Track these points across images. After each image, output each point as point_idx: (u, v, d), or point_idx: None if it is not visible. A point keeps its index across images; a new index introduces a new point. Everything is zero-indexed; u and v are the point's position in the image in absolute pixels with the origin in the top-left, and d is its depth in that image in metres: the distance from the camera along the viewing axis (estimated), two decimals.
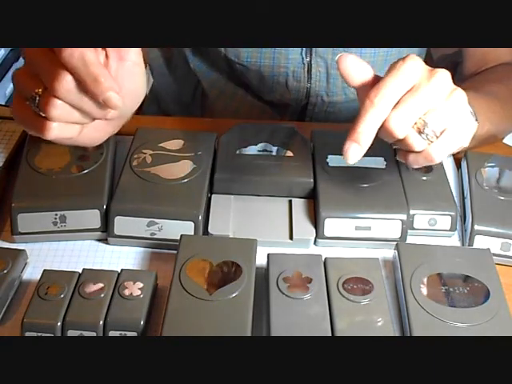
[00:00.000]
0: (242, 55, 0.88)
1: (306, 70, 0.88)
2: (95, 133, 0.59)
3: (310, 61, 0.87)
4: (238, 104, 0.95)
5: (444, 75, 0.56)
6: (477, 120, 0.67)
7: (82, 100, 0.54)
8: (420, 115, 0.55)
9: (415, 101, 0.55)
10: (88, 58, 0.52)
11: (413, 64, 0.55)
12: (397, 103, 0.55)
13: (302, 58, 0.87)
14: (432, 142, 0.56)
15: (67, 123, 0.55)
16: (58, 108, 0.53)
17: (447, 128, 0.56)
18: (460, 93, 0.57)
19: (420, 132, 0.55)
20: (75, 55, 0.52)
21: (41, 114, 0.54)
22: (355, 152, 0.55)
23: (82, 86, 0.53)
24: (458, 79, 0.92)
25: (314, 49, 0.86)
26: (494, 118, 0.75)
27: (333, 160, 0.71)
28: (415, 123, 0.55)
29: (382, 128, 0.55)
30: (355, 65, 0.56)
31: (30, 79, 0.55)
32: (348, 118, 0.93)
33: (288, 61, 0.88)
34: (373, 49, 0.86)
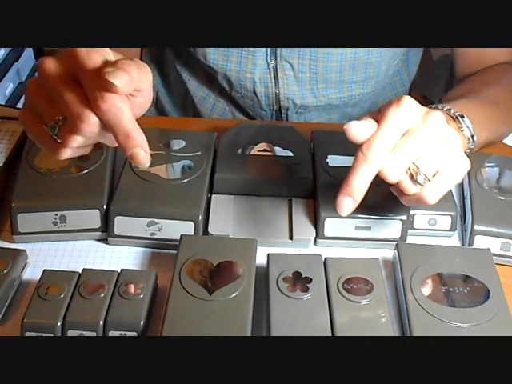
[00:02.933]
0: (208, 56, 0.87)
1: (272, 75, 0.87)
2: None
3: (276, 65, 0.86)
4: (223, 106, 0.95)
5: (438, 118, 0.55)
6: (474, 136, 0.67)
7: (104, 137, 0.53)
8: (413, 160, 0.55)
9: (408, 147, 0.54)
10: (122, 112, 0.50)
11: (406, 109, 0.54)
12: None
13: (268, 63, 0.86)
14: (425, 186, 0.56)
15: (80, 147, 0.55)
16: (77, 142, 0.52)
17: (440, 170, 0.56)
18: (454, 135, 0.57)
19: (412, 178, 0.55)
20: (111, 108, 0.50)
21: (57, 140, 0.53)
22: (349, 205, 0.55)
23: (110, 131, 0.51)
24: (455, 81, 0.92)
25: (278, 53, 0.85)
26: (492, 126, 0.74)
27: (333, 160, 0.71)
28: (408, 168, 0.55)
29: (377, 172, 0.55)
30: (360, 129, 0.55)
31: (48, 104, 0.53)
32: (324, 120, 0.94)
33: (254, 67, 0.87)
34: (340, 50, 0.85)
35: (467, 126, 0.67)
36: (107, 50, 0.53)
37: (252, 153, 0.72)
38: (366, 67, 0.87)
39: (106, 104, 0.50)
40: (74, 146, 0.53)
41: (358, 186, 0.54)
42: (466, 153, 0.69)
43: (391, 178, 0.55)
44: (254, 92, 0.89)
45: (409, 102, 0.55)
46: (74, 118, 0.51)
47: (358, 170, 0.54)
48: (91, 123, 0.51)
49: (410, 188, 0.56)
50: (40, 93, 0.53)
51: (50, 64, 0.52)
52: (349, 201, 0.55)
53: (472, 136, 0.67)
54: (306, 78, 0.87)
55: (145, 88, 0.53)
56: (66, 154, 0.54)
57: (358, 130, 0.55)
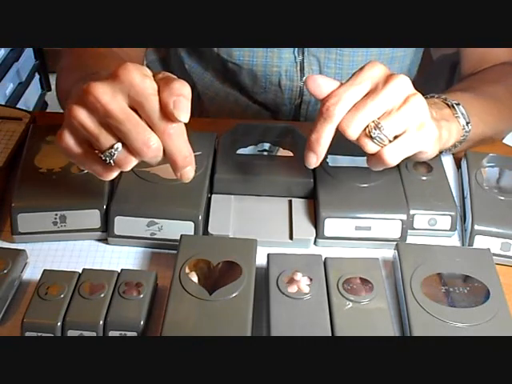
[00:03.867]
0: (234, 54, 0.88)
1: (298, 68, 0.88)
2: None
3: (303, 59, 0.88)
4: (232, 106, 0.96)
5: (402, 80, 0.56)
6: (469, 123, 0.68)
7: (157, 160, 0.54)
8: (373, 118, 0.55)
9: (367, 104, 0.55)
10: (183, 136, 0.53)
11: (370, 70, 0.56)
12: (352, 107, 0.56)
13: (295, 57, 0.88)
14: (384, 145, 0.56)
15: None
16: (133, 164, 0.54)
17: (404, 132, 0.56)
18: (418, 98, 0.57)
19: (370, 135, 0.56)
20: (176, 136, 0.52)
21: (111, 163, 0.53)
22: (312, 159, 0.58)
23: (168, 155, 0.53)
24: (458, 79, 0.92)
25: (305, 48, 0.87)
26: (490, 121, 0.75)
27: (333, 160, 0.71)
28: (367, 126, 0.56)
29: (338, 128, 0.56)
30: (324, 84, 0.57)
31: (101, 130, 0.53)
32: None
33: (280, 60, 0.88)
34: (365, 49, 0.86)
35: (462, 113, 0.67)
36: (146, 68, 0.53)
37: (252, 153, 0.72)
38: (390, 62, 0.88)
39: (175, 133, 0.52)
40: (129, 169, 0.54)
41: (315, 140, 0.56)
42: (460, 141, 0.70)
43: (348, 132, 0.55)
44: (279, 85, 0.90)
45: (374, 65, 0.56)
46: (138, 143, 0.52)
47: (315, 125, 0.56)
48: (156, 148, 0.52)
49: (368, 145, 0.56)
50: (91, 118, 0.53)
51: (102, 90, 0.51)
52: (311, 155, 0.57)
53: (467, 123, 0.68)
54: (331, 74, 0.88)
55: None
56: (115, 174, 0.56)
57: (319, 82, 0.57)
